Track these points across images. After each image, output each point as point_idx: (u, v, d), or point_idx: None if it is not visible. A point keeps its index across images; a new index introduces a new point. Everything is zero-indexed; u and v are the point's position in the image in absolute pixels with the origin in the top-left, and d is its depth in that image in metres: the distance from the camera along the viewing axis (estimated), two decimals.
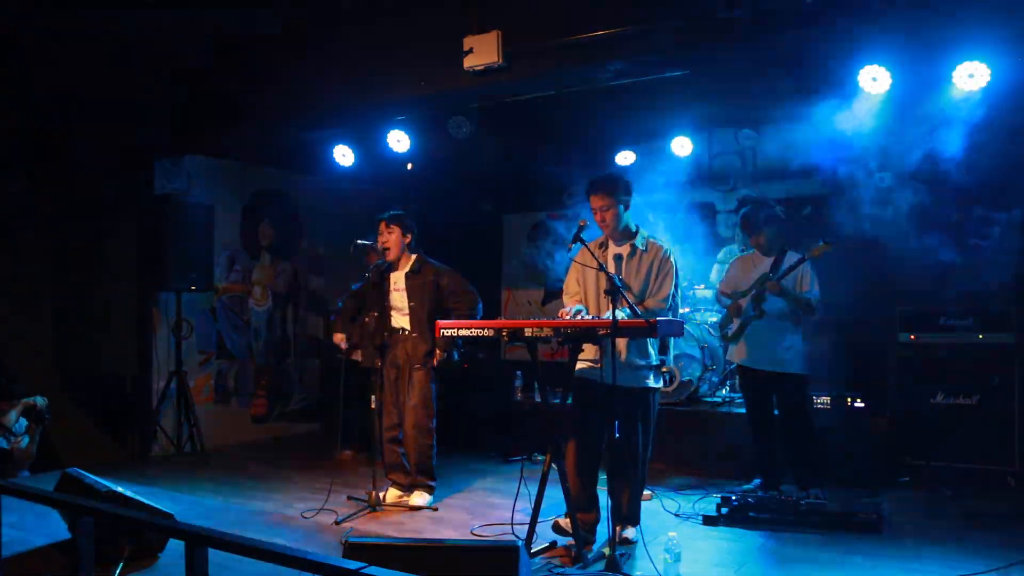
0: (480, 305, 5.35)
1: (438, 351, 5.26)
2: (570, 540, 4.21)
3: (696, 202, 7.82)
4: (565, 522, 4.34)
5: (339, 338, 5.69)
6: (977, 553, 4.16)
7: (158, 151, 7.05)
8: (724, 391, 6.79)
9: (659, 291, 4.33)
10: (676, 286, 4.40)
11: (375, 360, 5.39)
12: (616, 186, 4.36)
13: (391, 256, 5.35)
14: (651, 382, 4.37)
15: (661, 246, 4.43)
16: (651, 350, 4.35)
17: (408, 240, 5.36)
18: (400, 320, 5.35)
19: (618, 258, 4.42)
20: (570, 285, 4.56)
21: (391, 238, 5.32)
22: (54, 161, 7.11)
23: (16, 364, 6.72)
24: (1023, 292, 5.86)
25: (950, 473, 5.50)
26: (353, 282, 5.93)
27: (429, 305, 5.26)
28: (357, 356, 6.51)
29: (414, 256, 5.40)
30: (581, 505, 4.45)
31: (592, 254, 4.21)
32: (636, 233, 4.44)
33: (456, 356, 5.49)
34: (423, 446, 5.27)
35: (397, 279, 5.38)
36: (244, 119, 6.26)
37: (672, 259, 4.39)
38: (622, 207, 4.37)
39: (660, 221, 7.32)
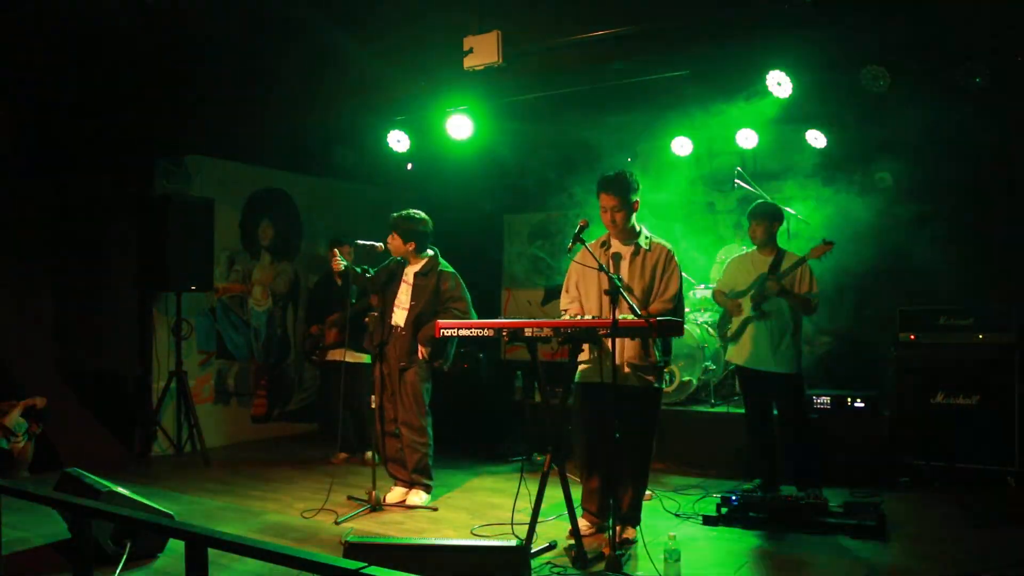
0: (471, 317, 5.28)
1: (421, 348, 5.25)
2: (570, 540, 4.21)
3: (696, 202, 7.82)
4: (582, 523, 4.39)
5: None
6: (977, 553, 4.16)
7: (158, 151, 7.05)
8: (724, 391, 6.79)
9: (665, 291, 4.33)
10: (681, 286, 4.41)
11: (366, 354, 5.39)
12: (627, 185, 4.35)
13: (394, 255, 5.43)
14: (653, 383, 4.37)
15: (665, 246, 4.43)
16: (654, 350, 4.34)
17: (411, 248, 5.36)
18: (398, 316, 5.36)
19: (617, 257, 4.41)
20: (568, 288, 4.57)
21: (392, 244, 5.38)
22: (54, 161, 7.11)
23: (16, 364, 6.73)
24: (1023, 292, 5.86)
25: (950, 473, 5.50)
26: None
27: (427, 307, 5.26)
28: (338, 355, 6.51)
29: (430, 255, 5.43)
30: (595, 508, 4.48)
31: (592, 254, 4.20)
32: (639, 232, 4.45)
33: (446, 364, 5.43)
34: (418, 444, 5.27)
35: (408, 275, 5.40)
36: (244, 119, 6.26)
37: (676, 259, 4.40)
38: (632, 206, 4.38)
39: (660, 221, 7.33)
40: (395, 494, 5.33)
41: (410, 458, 5.30)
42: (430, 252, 5.43)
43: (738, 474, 5.78)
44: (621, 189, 4.33)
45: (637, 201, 4.41)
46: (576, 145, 7.45)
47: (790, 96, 5.11)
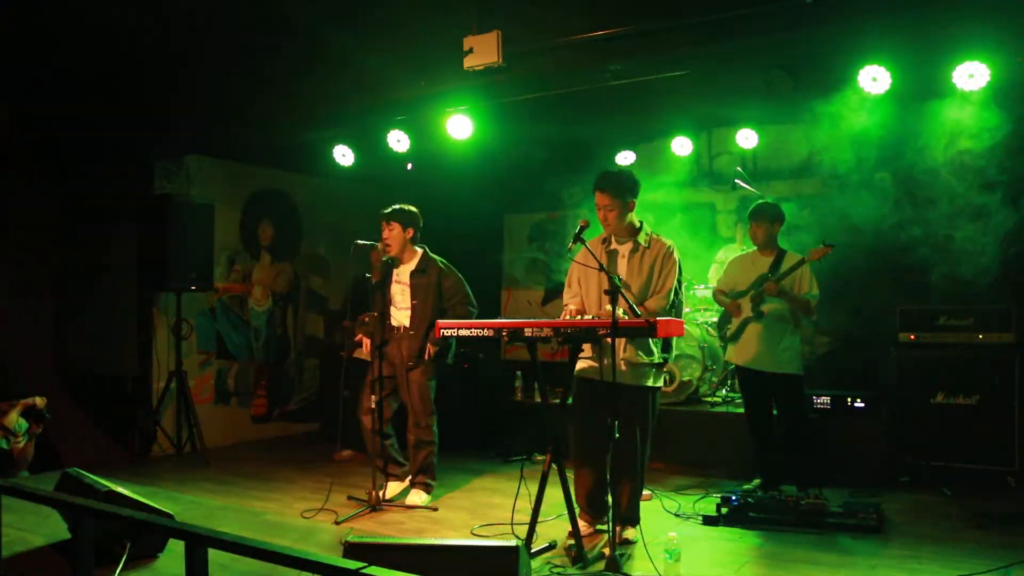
0: (474, 315, 5.29)
1: (429, 347, 5.25)
2: (570, 540, 4.21)
3: (696, 202, 7.83)
4: (581, 522, 4.38)
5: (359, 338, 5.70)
6: (977, 553, 4.16)
7: (158, 151, 7.05)
8: (724, 391, 6.79)
9: (661, 288, 4.33)
10: (679, 282, 4.40)
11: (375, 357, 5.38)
12: (623, 186, 4.35)
13: (392, 252, 5.35)
14: (651, 381, 4.37)
15: (663, 242, 4.43)
16: (654, 348, 4.35)
17: (410, 235, 5.34)
18: (400, 317, 5.35)
19: (613, 254, 4.42)
20: (570, 284, 4.57)
21: (391, 235, 5.32)
22: (54, 161, 7.11)
23: (16, 364, 6.72)
24: (1023, 292, 5.86)
25: (950, 473, 5.50)
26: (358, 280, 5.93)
27: (431, 305, 5.26)
28: (361, 354, 6.54)
29: (420, 252, 5.39)
30: (586, 504, 4.47)
31: (592, 254, 4.20)
32: (639, 230, 4.45)
33: (449, 357, 5.44)
34: (424, 444, 5.29)
35: (401, 275, 5.37)
36: (244, 119, 6.26)
37: (675, 255, 4.40)
38: (626, 207, 4.37)
39: (660, 221, 7.33)
40: (390, 489, 5.34)
41: (416, 456, 5.31)
42: (419, 249, 5.41)
43: (738, 474, 5.78)
44: (615, 189, 4.33)
45: (633, 202, 4.39)
46: (576, 145, 7.45)
47: (791, 95, 5.11)
